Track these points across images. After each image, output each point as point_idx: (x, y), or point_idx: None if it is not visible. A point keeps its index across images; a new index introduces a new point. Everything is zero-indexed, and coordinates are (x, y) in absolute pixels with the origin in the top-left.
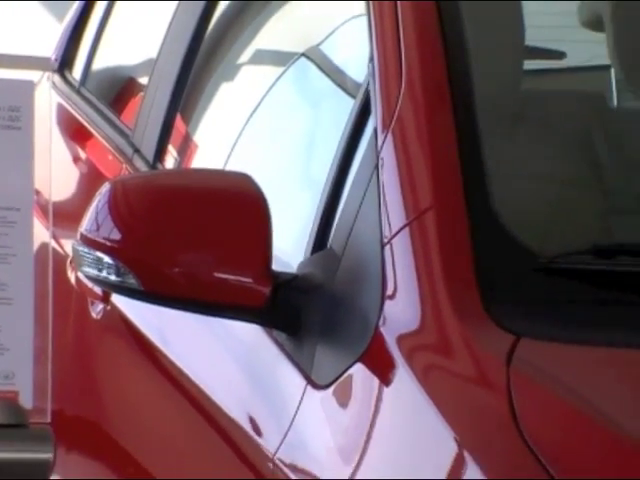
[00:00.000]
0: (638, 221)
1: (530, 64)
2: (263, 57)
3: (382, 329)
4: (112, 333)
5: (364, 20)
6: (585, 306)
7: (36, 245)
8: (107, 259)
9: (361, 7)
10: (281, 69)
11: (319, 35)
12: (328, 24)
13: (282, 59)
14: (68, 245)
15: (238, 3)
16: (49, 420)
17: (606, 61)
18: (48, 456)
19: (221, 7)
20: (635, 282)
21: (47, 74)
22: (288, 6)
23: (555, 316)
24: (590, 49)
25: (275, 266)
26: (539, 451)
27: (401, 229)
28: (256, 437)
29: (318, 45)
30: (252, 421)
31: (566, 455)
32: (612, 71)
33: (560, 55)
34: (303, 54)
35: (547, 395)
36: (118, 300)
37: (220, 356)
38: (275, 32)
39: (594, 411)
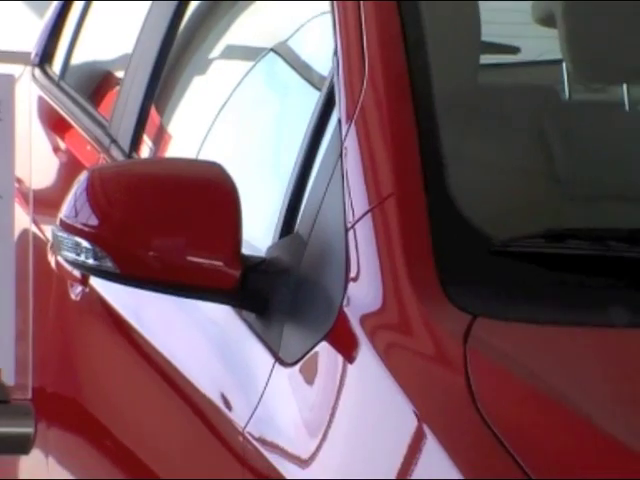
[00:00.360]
0: (587, 207)
1: (486, 59)
2: (233, 52)
3: (346, 309)
4: (90, 314)
5: (329, 18)
6: (537, 287)
7: (17, 231)
8: (85, 244)
9: (326, 5)
10: (250, 64)
11: (287, 32)
12: (295, 21)
13: (251, 54)
14: (48, 230)
15: (209, 1)
16: (30, 396)
17: (558, 56)
18: (29, 431)
19: (193, 5)
20: (584, 264)
21: (28, 68)
22: (257, 4)
23: (509, 297)
24: (543, 44)
25: (245, 250)
26: (494, 424)
27: (364, 215)
28: (227, 412)
29: (286, 41)
30: (223, 397)
31: (520, 428)
32: (564, 65)
33: (514, 50)
34: (272, 49)
35: (501, 371)
36: (96, 282)
37: (193, 335)
38: (245, 29)
39: (546, 386)
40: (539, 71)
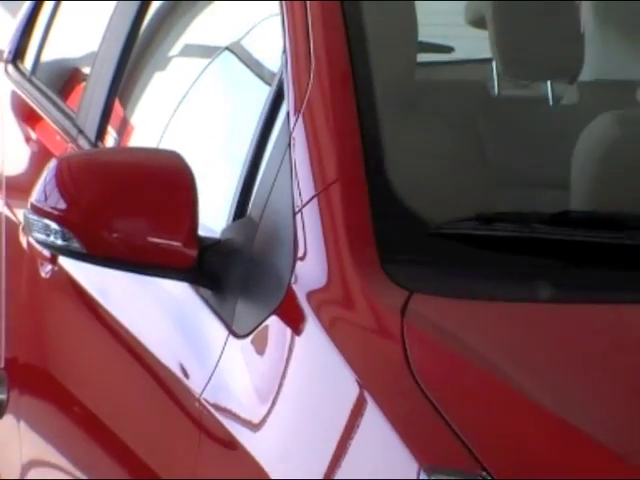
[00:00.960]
0: (515, 193)
1: (422, 57)
2: (191, 50)
3: (294, 286)
4: (59, 290)
5: (278, 19)
6: (469, 266)
7: None
8: (54, 226)
9: (276, 7)
10: (207, 61)
11: (240, 32)
12: (247, 22)
13: (208, 52)
14: (20, 214)
15: (169, 3)
16: (2, 365)
17: (488, 55)
18: (1, 397)
19: (154, 6)
20: (512, 245)
21: (1, 64)
22: (213, 6)
23: (444, 275)
24: (475, 44)
25: (201, 232)
26: (429, 390)
27: (310, 199)
28: (185, 380)
29: (239, 40)
30: (181, 366)
31: (452, 394)
32: (493, 64)
33: (449, 49)
34: (226, 48)
35: (436, 342)
36: (64, 261)
37: (154, 310)
38: (202, 29)
39: (476, 356)
40: (471, 69)
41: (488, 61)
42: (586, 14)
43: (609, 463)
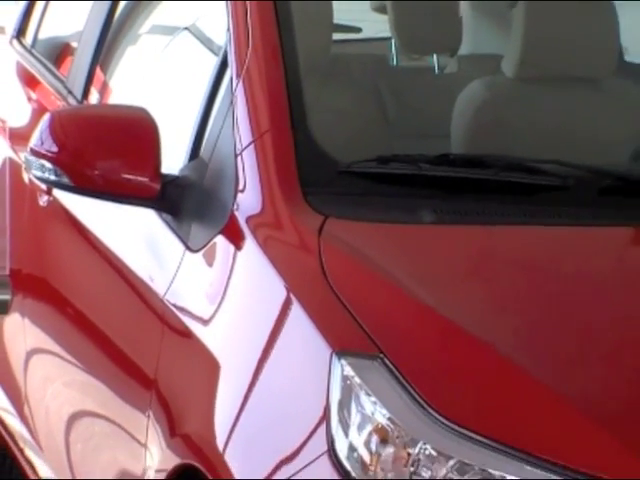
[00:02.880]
0: (408, 141)
1: (337, 36)
2: (157, 30)
3: (235, 212)
4: (54, 215)
5: (224, 5)
6: (371, 196)
7: (1, 157)
8: (48, 165)
9: None
10: (170, 37)
11: (195, 15)
12: (201, 8)
13: (170, 31)
14: (22, 156)
15: None
16: (7, 273)
17: (388, 34)
18: (7, 297)
19: None
20: (404, 180)
21: (9, 39)
22: None
23: (351, 203)
24: (378, 26)
25: (163, 170)
26: (339, 293)
27: (248, 145)
28: (152, 285)
29: (195, 22)
30: (149, 274)
31: (358, 295)
32: (392, 41)
33: (357, 30)
34: (185, 28)
35: (345, 254)
36: (57, 193)
37: (127, 231)
38: (166, 13)
39: (375, 265)
40: (375, 45)
41: (388, 39)
42: (463, 3)
43: (481, 351)
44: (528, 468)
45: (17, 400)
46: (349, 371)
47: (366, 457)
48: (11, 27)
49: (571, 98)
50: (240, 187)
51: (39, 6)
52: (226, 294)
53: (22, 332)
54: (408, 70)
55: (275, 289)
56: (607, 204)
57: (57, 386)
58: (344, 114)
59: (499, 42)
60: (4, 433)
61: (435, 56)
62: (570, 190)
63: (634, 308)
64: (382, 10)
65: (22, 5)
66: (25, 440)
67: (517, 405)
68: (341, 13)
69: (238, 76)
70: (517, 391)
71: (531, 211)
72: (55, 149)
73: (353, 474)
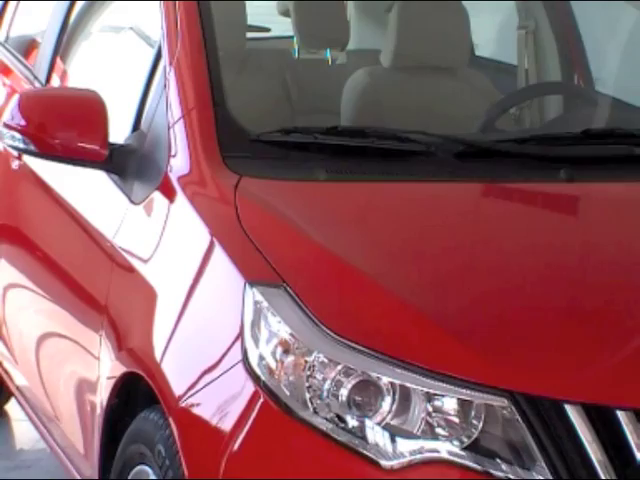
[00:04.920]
0: (307, 117)
1: (250, 35)
2: (107, 28)
3: (169, 174)
4: (24, 177)
5: (159, 9)
6: (277, 160)
7: None
8: (18, 136)
9: (156, 3)
10: (117, 34)
11: (137, 17)
12: (141, 10)
13: (117, 29)
14: None
15: None
16: None
17: (292, 33)
18: None
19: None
20: (303, 147)
21: None
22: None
23: (261, 165)
24: (284, 27)
25: (111, 139)
26: (251, 235)
27: (179, 119)
28: (103, 230)
29: (138, 22)
30: (101, 223)
31: (266, 237)
32: (295, 39)
33: (267, 29)
34: (130, 27)
35: (256, 205)
36: (26, 158)
37: (83, 188)
38: (114, 14)
39: (280, 213)
40: (281, 42)
41: (292, 37)
42: (350, 7)
43: (360, 279)
44: (398, 370)
45: None
46: (259, 297)
47: (272, 364)
48: None
49: (433, 83)
50: (172, 153)
51: (10, 9)
52: (162, 238)
53: None
54: (307, 61)
55: (200, 233)
56: (461, 165)
57: (29, 313)
58: (255, 95)
59: (378, 39)
60: None
61: (328, 50)
62: (432, 154)
63: (480, 237)
64: (286, 14)
65: None
66: (4, 355)
67: (389, 321)
68: (255, 16)
69: (170, 64)
70: (389, 309)
71: (402, 171)
72: (23, 123)
73: (262, 378)
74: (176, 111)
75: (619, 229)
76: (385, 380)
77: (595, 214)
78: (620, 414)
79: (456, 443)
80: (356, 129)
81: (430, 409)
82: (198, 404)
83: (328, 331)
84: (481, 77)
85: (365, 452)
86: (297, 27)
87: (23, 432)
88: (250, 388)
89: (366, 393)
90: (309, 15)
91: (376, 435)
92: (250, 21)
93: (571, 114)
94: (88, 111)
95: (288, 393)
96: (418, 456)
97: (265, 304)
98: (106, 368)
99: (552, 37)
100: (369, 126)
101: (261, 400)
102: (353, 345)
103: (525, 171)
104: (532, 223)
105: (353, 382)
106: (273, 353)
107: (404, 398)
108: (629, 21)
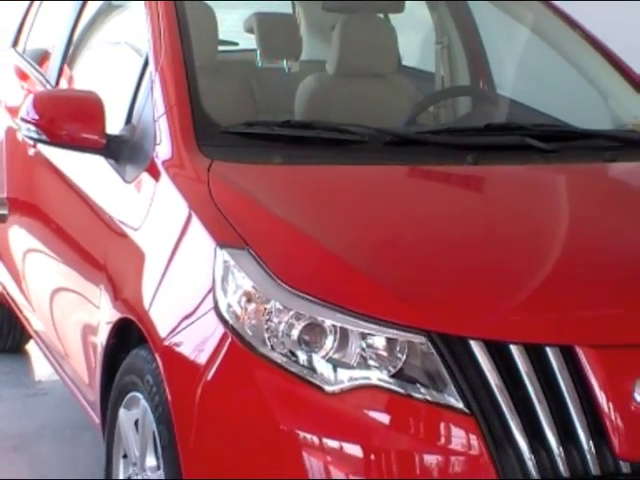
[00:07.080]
0: (266, 114)
1: (221, 48)
2: (106, 44)
3: (155, 159)
4: (38, 162)
5: (147, 29)
6: (242, 147)
7: (5, 125)
8: (33, 128)
9: (145, 25)
10: (114, 47)
11: (130, 35)
12: (133, 31)
13: (115, 44)
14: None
15: (92, 18)
16: (5, 196)
17: (255, 47)
18: (5, 212)
19: (84, 19)
20: (264, 137)
21: (8, 49)
22: (117, 18)
23: (229, 152)
24: (250, 42)
25: (108, 130)
26: (221, 208)
27: (162, 114)
28: (101, 204)
29: (130, 38)
30: (101, 199)
31: (234, 211)
32: (258, 51)
33: (235, 44)
34: (125, 42)
35: (225, 184)
36: (40, 147)
37: (87, 170)
38: (111, 33)
39: (245, 190)
40: (247, 54)
41: (255, 50)
42: (302, 26)
43: (310, 242)
44: (338, 315)
45: (18, 280)
46: (227, 257)
47: (238, 311)
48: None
49: (368, 86)
50: (157, 142)
51: (27, 26)
52: (149, 210)
53: (19, 238)
54: (268, 70)
55: (180, 206)
56: (389, 152)
57: (43, 271)
58: (225, 96)
59: (325, 51)
60: (10, 300)
61: (285, 60)
62: (367, 143)
63: (405, 207)
64: (251, 31)
65: (16, 24)
66: (23, 305)
67: (332, 275)
68: (225, 32)
69: (156, 71)
70: (332, 266)
71: (342, 156)
72: (37, 117)
73: (230, 322)
74: (160, 108)
75: (514, 200)
76: (328, 323)
77: (495, 190)
78: (513, 348)
79: (384, 372)
80: (305, 122)
81: (364, 345)
82: (179, 343)
83: (283, 284)
84: (407, 82)
85: (313, 380)
86: (259, 42)
87: (40, 367)
88: (220, 330)
89: (313, 333)
90: (269, 32)
91: (321, 366)
92: (221, 36)
93: (477, 111)
94: (89, 108)
95: (250, 333)
96: (355, 382)
97: (232, 263)
98: (105, 315)
99: (462, 50)
100: (316, 120)
101: (229, 340)
102: (303, 295)
103: (440, 157)
104: (446, 196)
105: (303, 324)
106: (239, 302)
107: (343, 337)
108: (523, 38)
